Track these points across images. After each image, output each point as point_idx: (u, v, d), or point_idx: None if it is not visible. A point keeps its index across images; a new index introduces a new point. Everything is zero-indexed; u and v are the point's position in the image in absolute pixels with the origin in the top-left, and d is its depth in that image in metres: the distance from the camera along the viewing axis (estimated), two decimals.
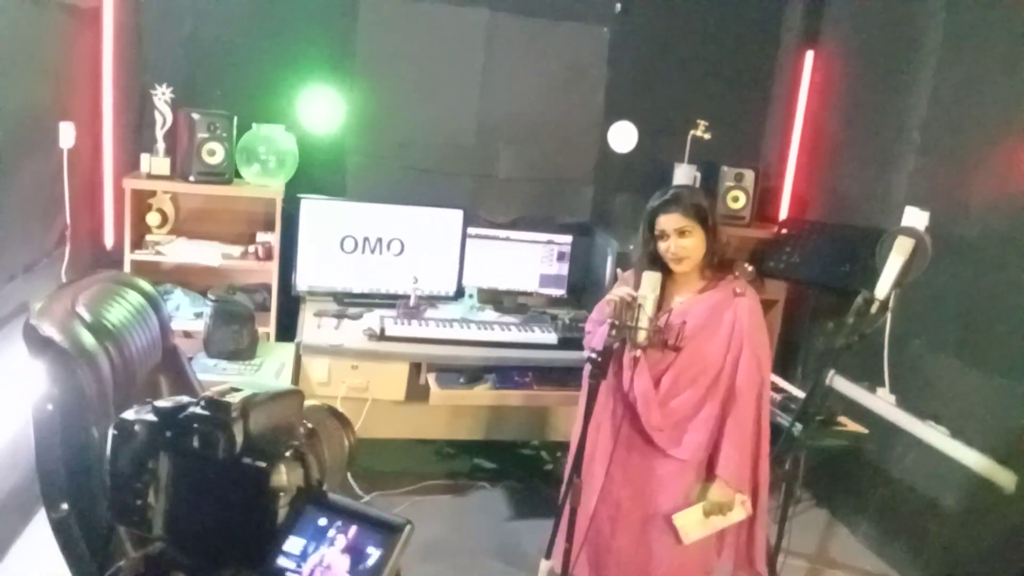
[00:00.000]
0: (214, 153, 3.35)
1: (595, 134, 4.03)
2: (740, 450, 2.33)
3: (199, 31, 3.52)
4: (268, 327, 3.45)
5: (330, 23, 3.65)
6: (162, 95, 3.38)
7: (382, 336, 3.20)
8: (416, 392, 3.29)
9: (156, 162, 3.39)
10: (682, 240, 2.26)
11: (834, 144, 3.88)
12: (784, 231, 3.84)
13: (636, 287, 2.26)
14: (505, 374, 3.26)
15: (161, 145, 3.40)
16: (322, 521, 0.72)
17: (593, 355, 2.18)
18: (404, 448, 3.77)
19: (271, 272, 3.47)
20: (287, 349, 3.22)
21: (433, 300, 3.69)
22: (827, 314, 3.49)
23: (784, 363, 3.78)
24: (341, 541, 0.70)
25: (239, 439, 0.72)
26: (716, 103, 3.93)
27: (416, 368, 3.27)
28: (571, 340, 3.28)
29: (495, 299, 3.78)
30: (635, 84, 4.01)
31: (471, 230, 3.70)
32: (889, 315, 3.22)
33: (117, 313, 1.83)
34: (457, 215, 3.68)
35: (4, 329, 2.60)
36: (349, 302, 3.56)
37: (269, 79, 3.57)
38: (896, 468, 3.35)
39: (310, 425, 0.85)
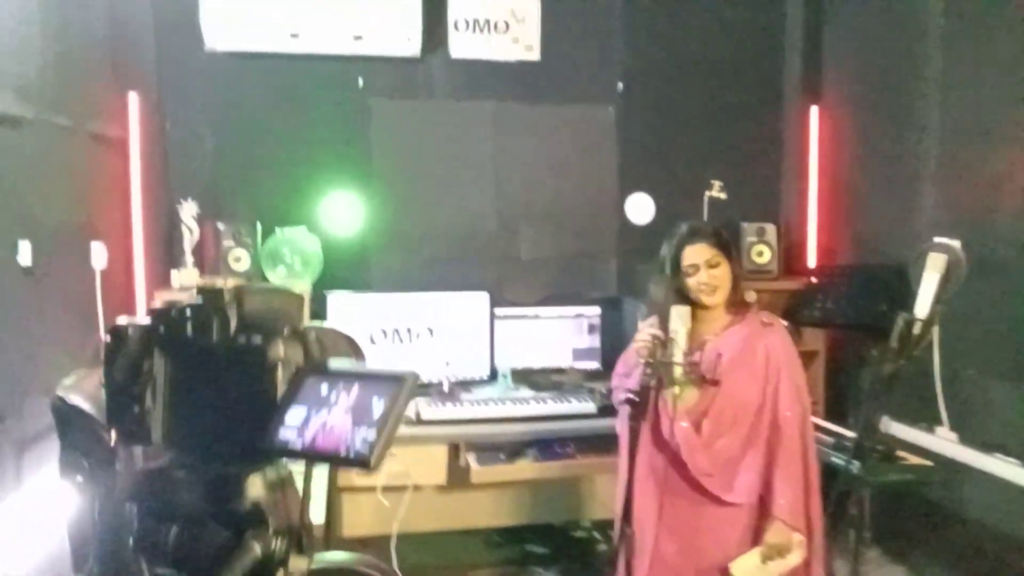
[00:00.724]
0: (240, 259, 3.43)
1: (612, 208, 4.07)
2: (793, 487, 2.22)
3: (221, 145, 3.68)
4: None
5: (345, 128, 3.79)
6: (188, 210, 3.50)
7: (418, 421, 3.15)
8: (457, 477, 3.21)
9: (185, 274, 3.46)
10: (714, 271, 2.24)
11: (852, 189, 3.88)
12: (815, 279, 3.79)
13: (662, 328, 2.22)
14: (546, 447, 3.18)
15: (190, 259, 3.48)
16: (323, 388, 0.69)
17: (630, 395, 2.11)
18: (451, 540, 3.63)
19: None
20: None
21: (467, 384, 3.65)
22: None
23: (833, 411, 3.65)
24: (344, 401, 0.67)
25: (233, 321, 0.70)
26: (728, 164, 3.96)
27: (455, 450, 3.20)
28: (610, 407, 3.18)
29: (529, 378, 3.72)
30: (646, 156, 4.07)
31: (498, 311, 3.70)
32: (937, 350, 3.13)
33: None
34: (483, 297, 3.69)
35: (40, 444, 2.59)
36: None
37: (290, 185, 3.69)
38: (968, 508, 3.16)
39: (315, 334, 0.82)
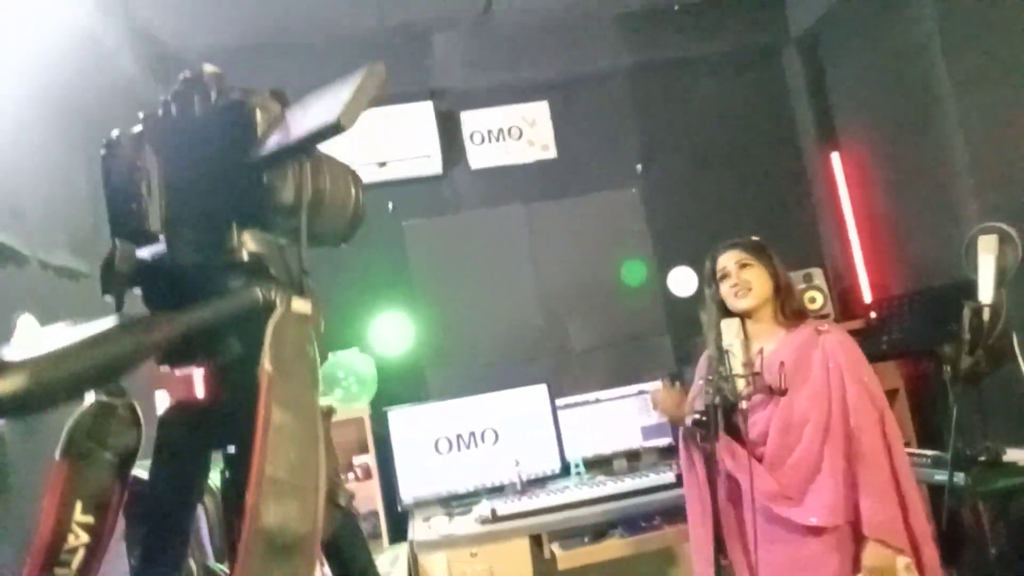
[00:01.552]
0: None
1: (655, 286, 4.07)
2: (883, 501, 2.01)
3: None
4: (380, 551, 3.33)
5: (381, 251, 3.91)
6: None
7: (495, 518, 3.04)
8: (543, 569, 3.05)
9: None
10: (744, 273, 2.20)
11: (891, 220, 3.83)
12: (875, 314, 3.68)
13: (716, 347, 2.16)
14: (631, 524, 3.02)
15: None
16: (296, 112, 0.69)
17: (696, 416, 2.03)
18: None
19: (374, 493, 3.41)
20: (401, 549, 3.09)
21: (540, 481, 3.53)
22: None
23: (926, 445, 3.43)
24: (314, 101, 0.67)
25: (213, 93, 0.71)
26: (760, 221, 3.95)
27: (537, 542, 3.06)
28: None
29: (603, 465, 3.61)
30: (678, 230, 4.10)
31: (560, 401, 3.64)
32: (1022, 360, 2.99)
33: None
34: (542, 389, 3.64)
35: None
36: (456, 504, 3.44)
37: (337, 311, 3.77)
38: None
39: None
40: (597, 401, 3.66)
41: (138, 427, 0.79)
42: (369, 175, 3.81)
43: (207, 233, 0.74)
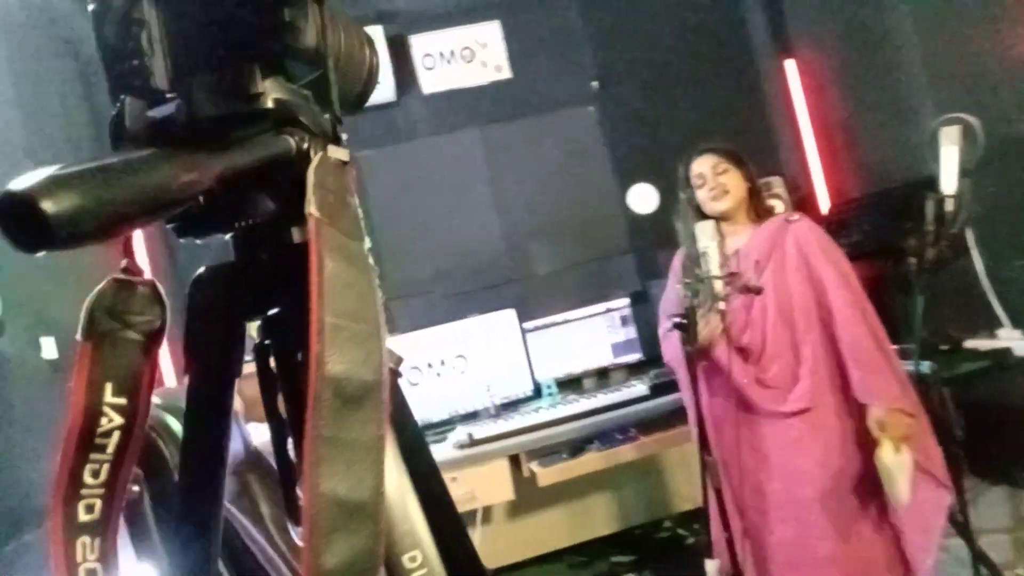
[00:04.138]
0: None
1: (615, 205, 4.04)
2: (873, 370, 2.06)
3: None
4: None
5: None
6: None
7: (472, 442, 3.05)
8: (526, 490, 3.09)
9: None
10: (720, 177, 2.19)
11: (848, 125, 3.84)
12: (833, 219, 3.71)
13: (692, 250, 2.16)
14: (607, 437, 3.06)
15: None
16: None
17: (676, 319, 2.03)
18: (534, 572, 3.47)
19: None
20: None
21: (514, 404, 3.54)
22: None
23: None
24: None
25: None
26: (716, 132, 3.93)
27: (515, 462, 3.08)
28: (662, 385, 3.10)
29: (573, 384, 3.63)
30: (635, 147, 4.06)
31: (527, 324, 3.63)
32: (977, 252, 3.04)
33: None
34: (510, 315, 3.63)
35: None
36: (431, 432, 3.43)
37: None
38: None
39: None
40: (565, 322, 3.66)
41: (161, 304, 0.74)
42: None
43: (224, 82, 0.67)
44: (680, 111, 4.09)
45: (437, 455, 2.96)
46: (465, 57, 3.94)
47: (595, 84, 4.08)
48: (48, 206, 0.50)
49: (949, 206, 2.38)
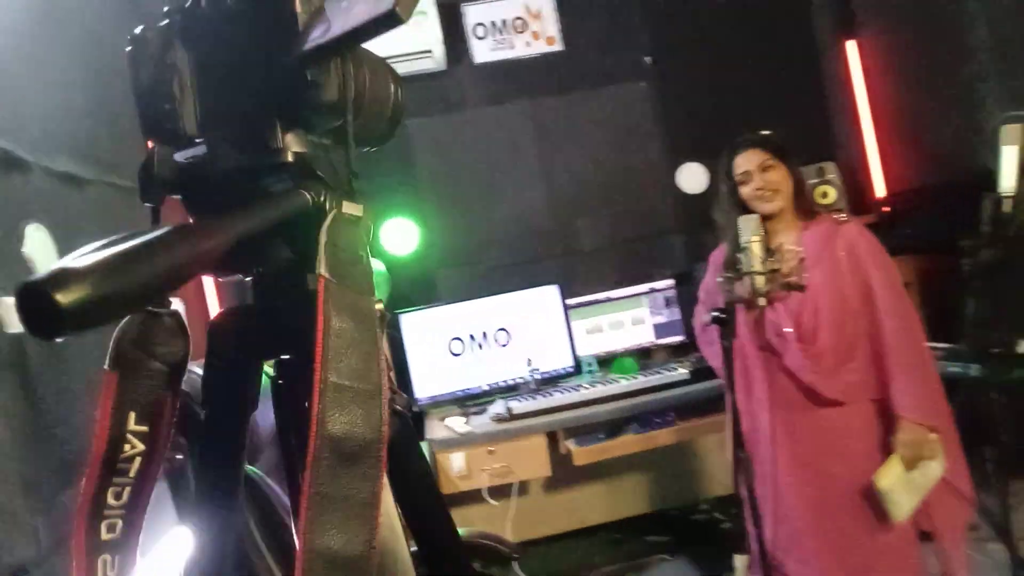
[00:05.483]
0: None
1: (665, 183, 4.00)
2: (914, 382, 2.07)
3: None
4: None
5: (387, 153, 3.82)
6: None
7: (511, 416, 3.09)
8: (562, 467, 3.13)
9: None
10: (767, 174, 2.16)
11: (909, 111, 3.73)
12: (889, 209, 3.64)
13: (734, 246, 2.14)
14: (645, 419, 3.08)
15: None
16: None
17: (716, 314, 2.03)
18: (569, 545, 3.54)
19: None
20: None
21: (553, 380, 3.57)
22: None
23: (938, 337, 3.45)
24: None
25: None
26: (771, 114, 3.84)
27: (553, 439, 3.12)
28: (702, 371, 3.10)
29: (615, 362, 3.64)
30: (687, 125, 4.00)
31: (570, 300, 3.65)
32: None
33: None
34: (553, 290, 3.64)
35: None
36: (471, 404, 3.49)
37: None
38: None
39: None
40: (609, 300, 3.66)
41: (184, 336, 0.77)
42: None
43: (247, 134, 0.70)
44: (734, 90, 4.00)
45: (477, 428, 3.03)
46: (517, 27, 3.92)
47: (648, 59, 4.03)
48: (60, 298, 0.53)
49: (1007, 207, 2.32)
